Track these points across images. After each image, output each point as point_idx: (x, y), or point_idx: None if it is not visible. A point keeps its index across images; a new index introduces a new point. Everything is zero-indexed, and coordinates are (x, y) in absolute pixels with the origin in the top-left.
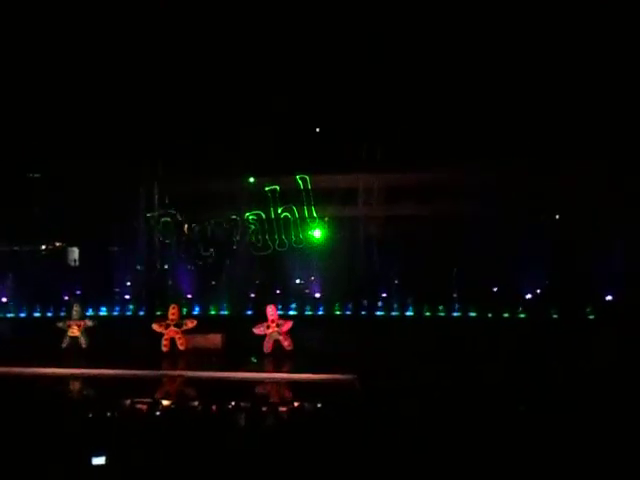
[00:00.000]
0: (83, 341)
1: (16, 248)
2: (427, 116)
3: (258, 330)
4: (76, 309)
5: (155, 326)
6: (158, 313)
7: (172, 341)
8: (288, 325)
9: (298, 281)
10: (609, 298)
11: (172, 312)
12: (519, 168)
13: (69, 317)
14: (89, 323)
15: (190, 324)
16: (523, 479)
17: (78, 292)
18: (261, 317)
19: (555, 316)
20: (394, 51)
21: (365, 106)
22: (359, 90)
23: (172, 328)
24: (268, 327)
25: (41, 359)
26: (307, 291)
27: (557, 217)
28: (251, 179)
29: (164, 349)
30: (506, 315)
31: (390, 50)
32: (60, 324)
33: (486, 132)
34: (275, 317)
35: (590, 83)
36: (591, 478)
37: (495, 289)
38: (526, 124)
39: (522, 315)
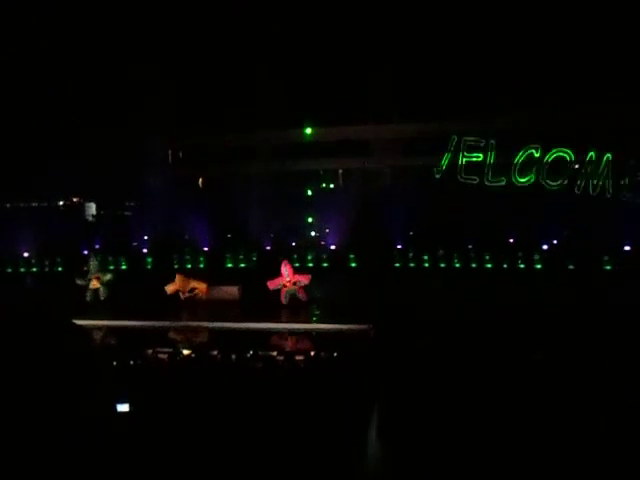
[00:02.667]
0: (101, 293)
1: (35, 204)
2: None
3: (273, 285)
4: (93, 262)
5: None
6: (176, 266)
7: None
8: (306, 280)
9: (313, 233)
10: (627, 248)
11: (179, 282)
12: (537, 116)
13: (87, 272)
14: (108, 276)
15: (199, 287)
16: (538, 431)
17: (97, 246)
18: (276, 270)
19: (571, 267)
20: None
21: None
22: None
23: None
24: (284, 286)
25: (63, 311)
26: (322, 243)
27: (575, 167)
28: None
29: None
30: (522, 266)
31: None
32: (79, 281)
33: (503, 81)
34: (290, 274)
35: None
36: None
37: (511, 240)
38: (538, 73)
39: (538, 266)
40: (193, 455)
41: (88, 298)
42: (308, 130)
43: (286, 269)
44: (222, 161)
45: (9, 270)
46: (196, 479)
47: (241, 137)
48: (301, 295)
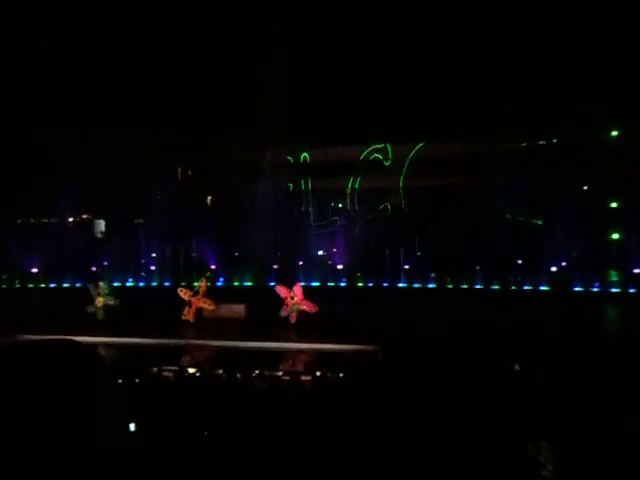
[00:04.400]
0: (101, 314)
1: (45, 220)
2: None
3: (282, 291)
4: (101, 286)
5: (181, 292)
6: (183, 284)
7: (197, 312)
8: (311, 309)
9: (320, 252)
10: (637, 271)
11: (202, 285)
12: (546, 138)
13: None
14: (110, 302)
15: (208, 307)
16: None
17: (105, 263)
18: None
19: (578, 289)
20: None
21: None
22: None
23: (199, 297)
24: (287, 305)
25: (68, 327)
26: (329, 262)
27: (584, 189)
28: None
29: (188, 318)
30: (529, 288)
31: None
32: (91, 287)
33: (517, 101)
34: (300, 296)
35: None
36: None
37: (519, 262)
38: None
39: (545, 288)
40: (197, 474)
41: (90, 310)
42: (310, 150)
43: (280, 290)
44: (231, 179)
45: (17, 285)
46: None
47: (250, 154)
48: (309, 308)
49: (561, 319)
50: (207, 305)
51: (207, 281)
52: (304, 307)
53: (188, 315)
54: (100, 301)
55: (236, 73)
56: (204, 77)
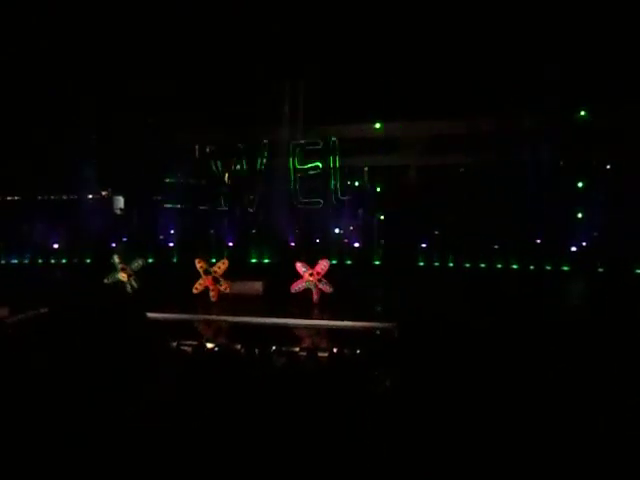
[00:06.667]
0: (129, 287)
1: (64, 197)
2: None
3: (296, 286)
4: (115, 259)
5: (198, 264)
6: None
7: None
8: (325, 267)
9: (337, 230)
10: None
11: (221, 266)
12: (570, 117)
13: (112, 269)
14: (136, 264)
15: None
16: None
17: (124, 239)
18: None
19: (601, 270)
20: None
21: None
22: None
23: (210, 277)
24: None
25: (87, 301)
26: (346, 240)
27: (608, 167)
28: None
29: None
30: (549, 267)
31: None
32: (106, 280)
33: (535, 79)
34: (308, 269)
35: None
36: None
37: (539, 241)
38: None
39: (566, 268)
40: (212, 448)
41: (128, 289)
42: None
43: (300, 266)
44: (248, 157)
45: (40, 261)
46: (216, 473)
47: (267, 133)
48: (326, 289)
49: (580, 299)
50: (223, 288)
51: (227, 261)
52: (320, 287)
53: (213, 294)
54: (123, 275)
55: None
56: (224, 58)
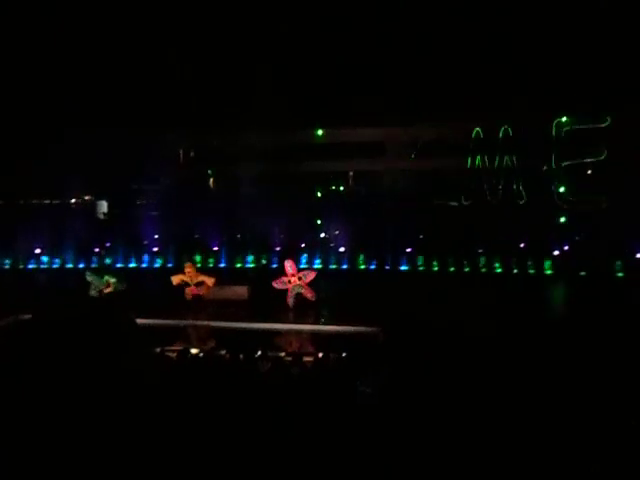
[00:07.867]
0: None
1: (47, 201)
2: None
3: (278, 284)
4: (90, 278)
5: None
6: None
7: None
8: (311, 276)
9: (323, 235)
10: None
11: (188, 271)
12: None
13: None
14: (120, 287)
15: (207, 281)
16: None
17: (108, 244)
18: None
19: (583, 273)
20: None
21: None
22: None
23: (192, 287)
24: (289, 281)
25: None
26: (332, 245)
27: (588, 173)
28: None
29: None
30: (532, 272)
31: None
32: (92, 292)
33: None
34: (294, 271)
35: None
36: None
37: (522, 245)
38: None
39: (549, 272)
40: (197, 455)
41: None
42: (319, 131)
43: (290, 265)
44: (233, 161)
45: (21, 267)
46: (201, 478)
47: (252, 137)
48: (309, 295)
49: (563, 302)
50: (209, 281)
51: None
52: (304, 292)
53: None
54: (109, 290)
55: (241, 57)
56: (210, 59)
